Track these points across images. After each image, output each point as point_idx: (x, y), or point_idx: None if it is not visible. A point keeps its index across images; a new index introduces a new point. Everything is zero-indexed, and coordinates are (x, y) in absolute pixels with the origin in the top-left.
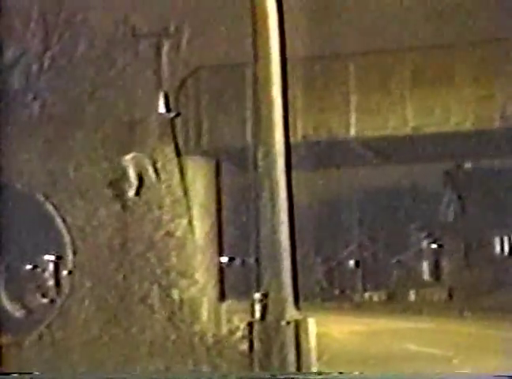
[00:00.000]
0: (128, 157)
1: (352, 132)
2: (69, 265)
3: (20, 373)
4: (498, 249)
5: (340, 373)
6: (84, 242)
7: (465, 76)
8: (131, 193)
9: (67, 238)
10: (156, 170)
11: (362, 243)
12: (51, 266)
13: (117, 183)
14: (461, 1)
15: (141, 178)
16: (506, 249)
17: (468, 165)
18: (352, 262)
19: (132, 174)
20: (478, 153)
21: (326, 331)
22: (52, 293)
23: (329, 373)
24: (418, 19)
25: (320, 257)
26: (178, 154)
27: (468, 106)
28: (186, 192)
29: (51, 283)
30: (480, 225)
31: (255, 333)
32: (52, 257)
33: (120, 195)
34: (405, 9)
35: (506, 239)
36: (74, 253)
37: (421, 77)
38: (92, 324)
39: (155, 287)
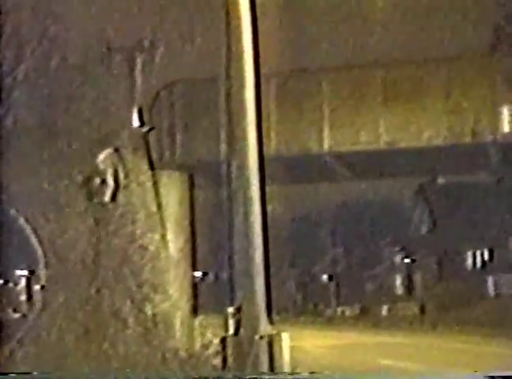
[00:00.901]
0: (102, 156)
1: (326, 146)
2: (42, 280)
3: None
4: (470, 263)
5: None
6: (57, 257)
7: (437, 91)
8: (107, 197)
9: (40, 253)
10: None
11: (335, 257)
12: (23, 281)
13: (91, 195)
14: (433, 17)
15: (116, 180)
16: (479, 263)
17: (440, 179)
18: (325, 276)
19: (107, 175)
20: (450, 168)
21: (300, 345)
22: (24, 308)
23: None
24: (390, 35)
25: (293, 272)
26: (152, 168)
27: (440, 121)
28: (159, 206)
29: (23, 297)
30: (453, 239)
31: (228, 348)
32: (24, 272)
33: (94, 207)
34: (378, 25)
35: (478, 253)
36: (47, 267)
37: (393, 92)
38: (64, 339)
39: (128, 301)
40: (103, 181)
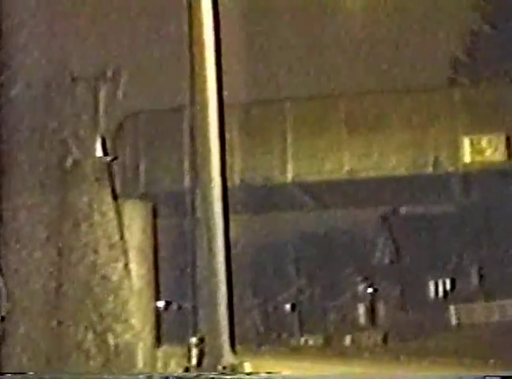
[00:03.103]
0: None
1: (289, 176)
2: (2, 311)
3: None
4: (432, 292)
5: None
6: (18, 287)
7: (399, 122)
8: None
9: (0, 283)
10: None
11: (299, 287)
12: None
13: (53, 224)
14: (394, 50)
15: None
16: (441, 292)
17: (403, 209)
18: (288, 306)
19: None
20: (413, 198)
21: None
22: None
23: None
24: (353, 65)
25: (257, 301)
26: (115, 197)
27: (402, 152)
28: (122, 235)
29: None
30: (415, 269)
31: None
32: None
33: (57, 237)
34: (340, 55)
35: (440, 283)
36: (8, 298)
37: (357, 122)
38: (26, 371)
39: (90, 332)
40: (65, 211)
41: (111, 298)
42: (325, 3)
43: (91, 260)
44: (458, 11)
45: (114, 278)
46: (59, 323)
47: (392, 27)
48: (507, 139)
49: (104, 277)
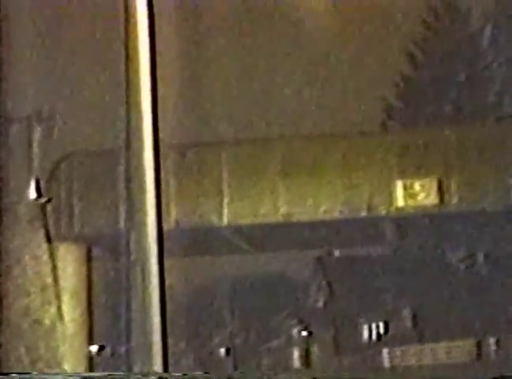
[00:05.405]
0: None
1: (225, 219)
2: None
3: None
4: (366, 335)
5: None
6: None
7: (334, 166)
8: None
9: None
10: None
11: (233, 331)
12: None
13: None
14: (328, 93)
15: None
16: (374, 335)
17: (337, 252)
18: (223, 350)
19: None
20: (346, 241)
21: None
22: None
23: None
24: (288, 109)
25: (191, 345)
26: (49, 240)
27: (336, 196)
28: (55, 278)
29: None
30: (349, 312)
31: None
32: None
33: None
34: (275, 99)
35: (373, 326)
36: None
37: (291, 166)
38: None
39: None
40: None
41: (42, 343)
42: (260, 49)
43: (23, 303)
44: (390, 57)
45: (47, 322)
46: None
47: (325, 72)
48: (439, 183)
49: (36, 321)
